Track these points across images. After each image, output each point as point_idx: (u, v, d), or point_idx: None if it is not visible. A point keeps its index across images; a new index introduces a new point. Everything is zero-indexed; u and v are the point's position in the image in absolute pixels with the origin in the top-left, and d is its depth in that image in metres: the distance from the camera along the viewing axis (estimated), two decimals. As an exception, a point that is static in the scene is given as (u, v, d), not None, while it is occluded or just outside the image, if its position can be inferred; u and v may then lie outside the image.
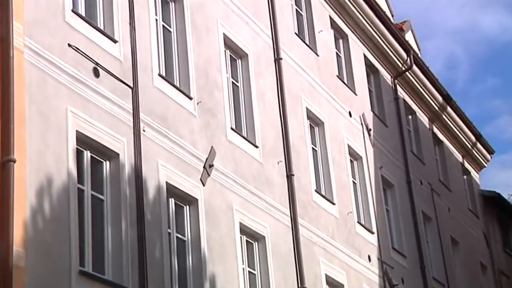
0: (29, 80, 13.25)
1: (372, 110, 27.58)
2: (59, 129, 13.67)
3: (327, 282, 21.40)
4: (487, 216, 37.23)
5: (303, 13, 24.85)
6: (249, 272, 18.41)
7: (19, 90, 12.82)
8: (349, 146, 25.04)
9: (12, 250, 11.70)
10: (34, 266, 12.26)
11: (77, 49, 14.50)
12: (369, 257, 24.22)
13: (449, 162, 34.59)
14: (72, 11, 14.83)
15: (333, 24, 26.30)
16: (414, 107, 32.00)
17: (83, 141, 14.29)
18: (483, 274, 34.86)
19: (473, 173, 37.76)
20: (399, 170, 28.58)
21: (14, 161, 12.23)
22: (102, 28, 15.64)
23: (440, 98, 33.31)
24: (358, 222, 24.25)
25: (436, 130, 33.78)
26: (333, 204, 22.95)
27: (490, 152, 38.77)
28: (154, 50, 16.97)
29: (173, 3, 18.37)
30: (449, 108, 34.09)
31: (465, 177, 36.48)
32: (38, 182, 12.90)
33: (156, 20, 17.54)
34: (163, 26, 17.93)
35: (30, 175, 12.73)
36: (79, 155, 14.23)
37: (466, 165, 36.82)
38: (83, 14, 15.27)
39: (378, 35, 28.55)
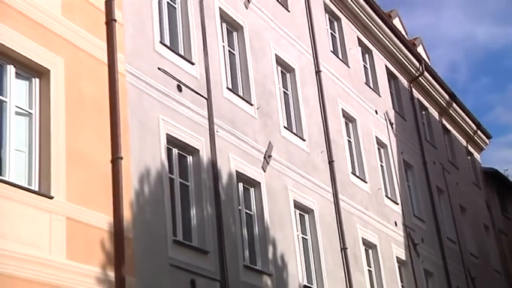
0: (130, 97, 13.48)
1: (393, 108, 27.44)
2: (153, 133, 13.85)
3: (363, 243, 21.33)
4: (487, 188, 36.92)
5: (336, 35, 24.79)
6: (302, 237, 18.38)
7: (123, 105, 13.08)
8: (376, 137, 24.92)
9: (123, 225, 12.04)
10: (139, 236, 12.54)
11: (164, 71, 14.65)
12: (395, 222, 24.14)
13: (456, 146, 34.33)
14: (160, 42, 14.97)
15: (360, 43, 26.22)
16: (426, 104, 31.77)
17: (172, 141, 14.44)
18: (486, 233, 34.60)
19: (475, 154, 37.39)
20: (416, 154, 28.43)
21: (122, 158, 12.53)
22: (182, 54, 15.73)
23: (446, 96, 33.06)
24: (385, 196, 24.14)
25: (444, 121, 33.50)
26: (366, 182, 22.88)
27: (488, 136, 38.35)
28: (222, 69, 16.99)
29: (236, 32, 18.40)
30: (454, 104, 33.78)
31: (469, 157, 36.11)
32: (139, 173, 13.14)
33: (223, 46, 17.55)
34: (228, 50, 17.93)
35: (133, 168, 13.00)
36: (169, 152, 14.40)
37: (470, 148, 36.46)
38: (168, 44, 15.40)
39: (395, 49, 28.43)
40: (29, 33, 11.53)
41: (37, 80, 11.74)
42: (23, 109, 11.44)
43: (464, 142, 35.88)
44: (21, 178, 11.00)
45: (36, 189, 11.04)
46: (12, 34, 11.21)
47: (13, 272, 9.96)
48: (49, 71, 11.77)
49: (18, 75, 11.47)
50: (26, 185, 10.94)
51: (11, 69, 11.33)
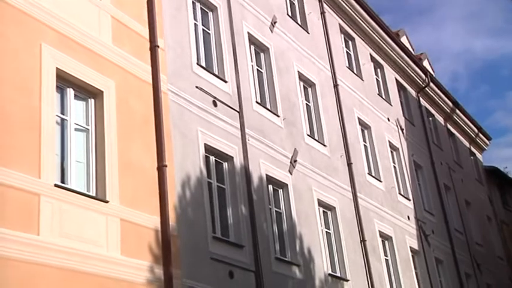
0: (172, 112, 13.60)
1: (403, 115, 27.40)
2: (193, 143, 13.95)
3: (380, 236, 21.33)
4: (489, 184, 36.66)
5: (351, 52, 24.83)
6: (326, 232, 18.39)
7: (166, 119, 13.20)
8: (389, 141, 24.89)
9: (169, 224, 12.15)
10: (183, 234, 12.64)
11: (201, 89, 14.76)
12: (408, 217, 24.08)
13: (460, 148, 34.14)
14: (197, 63, 15.08)
15: (372, 59, 26.22)
16: (433, 111, 31.65)
17: (209, 150, 14.51)
18: (489, 224, 34.35)
19: (478, 154, 37.12)
20: (425, 155, 28.34)
21: (166, 166, 12.62)
22: (217, 73, 15.80)
23: (450, 104, 32.90)
24: (399, 193, 24.09)
25: (449, 126, 33.34)
26: (381, 181, 22.87)
27: (489, 138, 38.09)
28: (252, 85, 17.07)
29: (263, 53, 18.48)
30: (457, 110, 33.62)
31: (472, 157, 35.87)
32: (182, 179, 13.22)
33: (252, 65, 17.64)
34: (257, 69, 18.02)
35: (176, 174, 13.09)
36: (207, 159, 14.45)
37: (472, 149, 36.22)
38: (204, 65, 15.49)
39: (404, 63, 28.39)
40: (85, 60, 11.73)
41: (92, 100, 11.89)
42: (81, 126, 11.60)
43: (467, 144, 35.67)
44: (81, 185, 11.18)
45: (94, 194, 11.19)
46: (71, 61, 11.43)
47: (77, 267, 10.16)
48: (102, 92, 11.92)
49: (76, 97, 11.65)
50: (85, 191, 11.09)
51: (70, 92, 11.51)
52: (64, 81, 11.33)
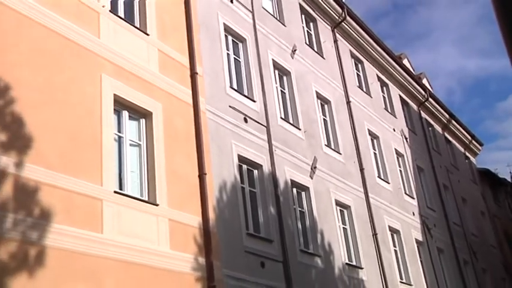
0: (210, 128, 13.65)
1: (407, 126, 27.25)
2: (228, 154, 13.99)
3: (389, 230, 21.18)
4: (482, 183, 36.20)
5: (360, 74, 24.78)
6: (342, 227, 18.35)
7: (205, 134, 13.27)
8: (395, 149, 24.75)
9: (209, 223, 12.22)
10: (221, 230, 12.70)
11: (234, 108, 14.81)
12: (413, 213, 23.91)
13: (456, 153, 33.78)
14: (230, 87, 15.14)
15: (379, 78, 26.13)
16: (432, 122, 31.42)
17: (242, 160, 14.54)
18: (483, 218, 33.90)
19: (472, 158, 36.65)
20: (426, 160, 28.13)
21: (206, 174, 12.66)
22: (247, 94, 15.85)
23: (447, 115, 32.61)
24: (404, 193, 23.93)
25: (446, 134, 33.00)
26: (388, 183, 22.74)
27: (481, 144, 37.62)
28: (276, 104, 17.09)
29: (285, 76, 18.50)
30: (453, 121, 33.28)
31: (466, 161, 35.45)
32: (219, 185, 13.26)
33: (276, 87, 17.69)
34: (281, 90, 18.07)
35: (215, 181, 13.12)
36: (240, 167, 14.47)
37: (467, 153, 35.77)
38: (236, 88, 15.55)
39: (406, 82, 28.24)
40: (137, 87, 11.90)
41: (144, 120, 12.03)
42: (134, 141, 11.75)
43: (462, 149, 35.29)
44: (136, 191, 11.31)
45: (146, 199, 11.30)
46: (126, 88, 11.60)
47: (134, 259, 10.30)
48: (152, 113, 12.06)
49: (130, 117, 11.80)
50: (139, 196, 11.21)
51: (125, 114, 11.68)
52: (120, 105, 11.50)
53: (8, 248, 8.49)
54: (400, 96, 28.08)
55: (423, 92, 29.89)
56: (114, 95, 11.27)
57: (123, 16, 12.52)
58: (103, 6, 11.84)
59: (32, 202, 9.06)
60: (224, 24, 16.04)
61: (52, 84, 10.14)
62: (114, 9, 12.33)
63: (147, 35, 12.80)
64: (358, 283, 17.66)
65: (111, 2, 12.28)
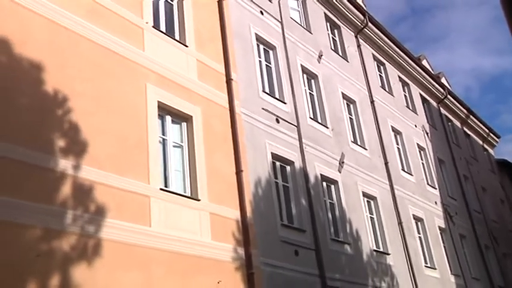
0: (245, 129, 13.69)
1: (427, 122, 26.93)
2: (262, 152, 14.02)
3: (414, 218, 20.98)
4: (501, 173, 35.55)
5: (383, 75, 24.59)
6: (370, 217, 18.25)
7: (241, 135, 13.32)
8: (417, 143, 24.48)
9: (246, 215, 12.25)
10: (258, 222, 12.71)
11: (266, 110, 14.87)
12: (435, 202, 23.63)
13: (475, 145, 33.20)
14: (262, 91, 15.17)
15: (400, 79, 25.89)
16: (451, 117, 30.96)
17: (275, 157, 14.55)
18: (502, 205, 33.29)
19: (490, 150, 35.95)
20: (447, 153, 27.75)
21: (242, 171, 12.71)
22: (278, 97, 15.86)
23: (465, 110, 32.10)
24: (427, 183, 23.66)
25: (465, 128, 32.50)
26: (412, 175, 22.50)
27: (498, 136, 36.85)
28: (305, 105, 17.07)
29: (313, 79, 18.47)
30: (471, 116, 32.76)
31: (485, 152, 34.82)
32: (255, 180, 13.27)
33: (305, 89, 17.66)
34: (309, 92, 18.03)
35: (250, 177, 13.14)
36: (273, 164, 14.46)
37: (485, 145, 35.13)
38: (268, 91, 15.57)
39: (426, 81, 27.93)
40: (178, 93, 12.03)
41: (185, 123, 12.14)
42: (177, 143, 11.86)
43: (480, 142, 34.68)
44: (180, 188, 11.41)
45: (189, 195, 11.40)
46: (168, 95, 11.75)
47: (179, 249, 10.43)
48: (192, 117, 12.16)
49: (173, 121, 11.92)
50: (183, 193, 11.32)
51: (168, 118, 11.80)
52: (163, 110, 11.64)
53: (69, 240, 8.73)
54: (421, 94, 27.74)
55: (442, 90, 29.46)
56: (158, 101, 11.42)
57: (164, 30, 12.70)
58: (146, 23, 12.05)
59: (88, 200, 9.27)
60: (256, 34, 16.12)
61: (103, 94, 10.36)
62: (156, 25, 12.51)
63: (186, 46, 12.95)
64: (385, 268, 17.55)
65: (153, 18, 12.48)
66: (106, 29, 10.99)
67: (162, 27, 12.73)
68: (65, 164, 9.12)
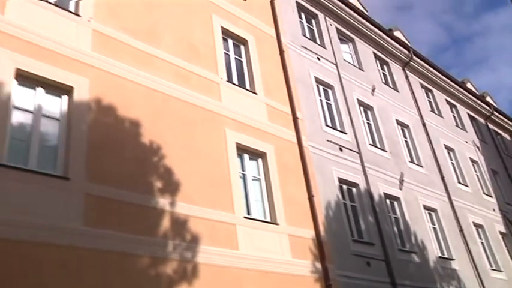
0: (313, 159, 13.56)
1: (477, 138, 25.65)
2: (330, 178, 13.81)
3: (474, 225, 19.86)
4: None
5: (431, 100, 23.68)
6: (432, 227, 17.46)
7: (310, 165, 13.16)
8: (470, 158, 23.33)
9: (321, 235, 12.05)
10: (331, 239, 12.48)
11: (330, 141, 14.68)
12: (493, 209, 22.29)
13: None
14: (325, 125, 15.07)
15: (448, 102, 24.88)
16: (499, 131, 29.25)
17: (341, 181, 14.27)
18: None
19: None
20: (499, 163, 26.16)
21: (314, 196, 12.52)
22: (339, 129, 15.65)
23: (513, 124, 30.55)
24: (483, 193, 22.44)
25: (515, 140, 30.89)
26: (467, 186, 21.38)
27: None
28: (364, 133, 16.76)
29: (369, 110, 18.12)
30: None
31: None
32: (325, 203, 13.07)
33: (363, 120, 17.39)
34: (367, 122, 17.73)
35: (321, 200, 12.96)
36: (341, 188, 14.19)
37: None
38: (330, 125, 15.39)
39: (472, 101, 26.67)
40: (253, 135, 12.10)
41: (260, 159, 12.12)
42: (255, 177, 11.86)
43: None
44: (260, 215, 11.35)
45: (269, 220, 11.33)
46: (245, 137, 11.85)
47: (265, 268, 10.36)
48: (266, 153, 12.16)
49: (250, 158, 11.93)
50: (263, 219, 11.27)
51: (246, 156, 11.83)
52: (241, 150, 11.73)
53: (171, 266, 8.89)
54: (468, 113, 26.53)
55: (488, 108, 28.04)
56: (236, 143, 11.55)
57: (236, 83, 12.93)
58: (221, 78, 12.35)
59: (184, 230, 9.43)
60: (315, 77, 16.11)
61: (190, 141, 10.62)
62: (229, 79, 12.77)
63: (256, 94, 13.10)
64: (452, 272, 16.64)
65: (227, 73, 12.78)
66: (189, 87, 11.34)
67: (235, 80, 12.96)
68: (163, 202, 9.36)
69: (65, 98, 9.00)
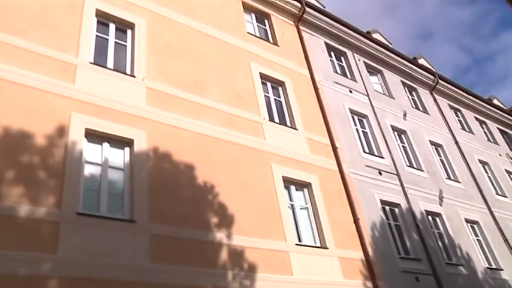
0: (355, 185, 13.22)
1: (510, 149, 24.44)
2: (372, 201, 13.41)
3: (517, 234, 18.80)
4: None
5: (461, 119, 22.77)
6: (476, 239, 16.40)
7: (353, 190, 12.84)
8: (505, 169, 22.08)
9: (369, 255, 11.66)
10: (379, 258, 12.03)
11: (369, 166, 14.25)
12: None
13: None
14: (363, 151, 14.67)
15: (477, 119, 23.91)
16: (532, 141, 27.93)
17: (384, 202, 13.82)
18: None
19: None
20: (535, 172, 24.91)
21: (359, 219, 12.19)
22: (377, 154, 15.28)
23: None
24: (523, 202, 21.28)
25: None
26: (506, 197, 20.18)
27: None
28: (400, 156, 16.25)
29: (403, 134, 17.60)
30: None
31: None
32: (370, 224, 12.57)
33: (398, 144, 16.88)
34: (402, 145, 17.20)
35: (367, 222, 12.54)
36: (383, 209, 13.75)
37: None
38: (367, 151, 15.05)
39: (501, 116, 25.49)
40: (297, 167, 11.93)
41: (306, 189, 11.92)
42: (303, 206, 11.63)
43: None
44: (311, 241, 11.06)
45: (319, 245, 11.04)
46: (290, 170, 11.67)
47: (318, 291, 10.09)
48: (310, 183, 11.94)
49: (296, 189, 11.73)
50: (314, 244, 10.92)
51: (292, 187, 11.62)
52: (288, 182, 11.56)
53: (232, 295, 8.72)
54: (498, 128, 25.32)
55: (517, 122, 26.75)
56: (282, 176, 11.40)
57: (278, 121, 12.88)
58: (264, 118, 12.33)
59: (242, 261, 9.27)
60: (349, 108, 15.86)
61: (240, 178, 10.56)
62: (271, 118, 12.74)
63: (297, 129, 12.99)
64: (502, 283, 15.53)
65: (268, 113, 12.76)
66: (235, 129, 11.36)
67: (276, 119, 12.91)
68: (220, 236, 9.26)
69: (127, 149, 9.20)
